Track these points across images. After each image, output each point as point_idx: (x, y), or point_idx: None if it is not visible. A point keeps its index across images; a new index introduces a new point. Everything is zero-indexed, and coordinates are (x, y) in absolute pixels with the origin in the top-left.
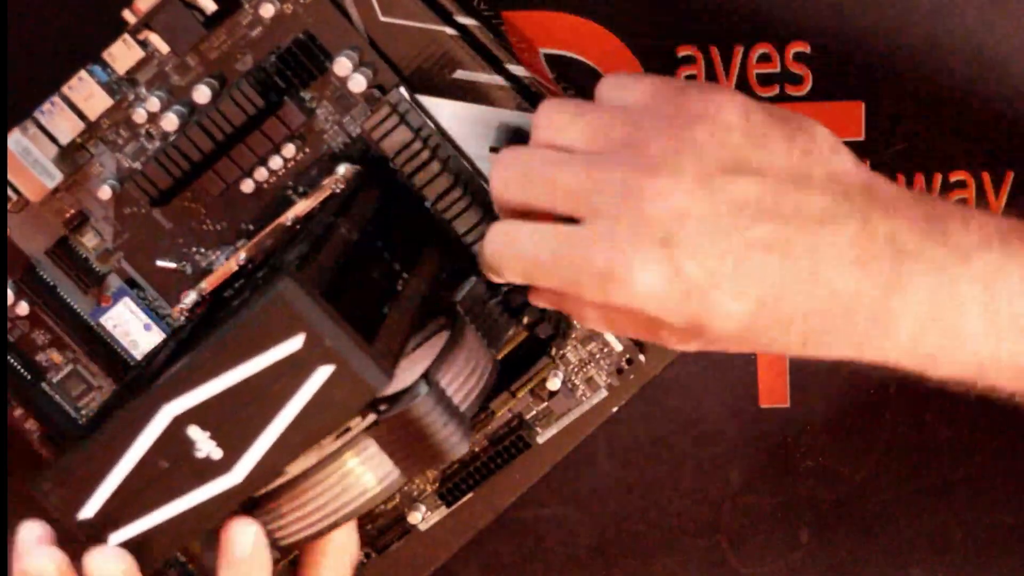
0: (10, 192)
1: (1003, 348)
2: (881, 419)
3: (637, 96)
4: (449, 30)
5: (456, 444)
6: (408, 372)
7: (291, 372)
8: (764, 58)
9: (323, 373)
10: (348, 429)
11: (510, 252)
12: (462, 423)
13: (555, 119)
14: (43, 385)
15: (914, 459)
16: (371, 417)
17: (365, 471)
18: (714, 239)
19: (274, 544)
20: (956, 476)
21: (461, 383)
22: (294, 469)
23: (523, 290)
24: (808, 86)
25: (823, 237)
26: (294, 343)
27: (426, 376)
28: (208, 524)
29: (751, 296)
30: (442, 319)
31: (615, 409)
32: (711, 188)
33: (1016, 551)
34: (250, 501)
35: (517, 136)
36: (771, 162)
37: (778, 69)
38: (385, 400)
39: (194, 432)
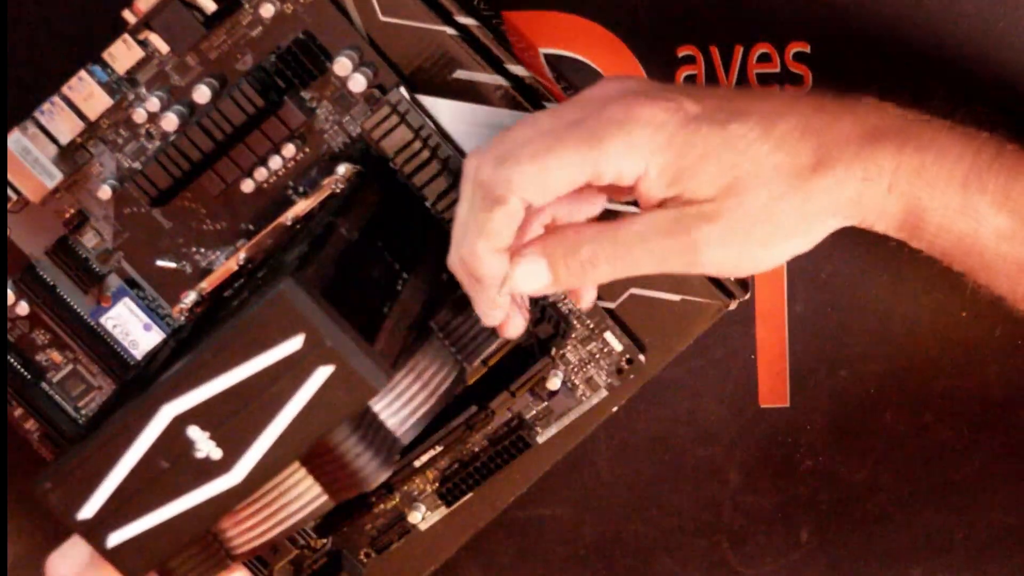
0: (10, 192)
1: None
2: (881, 419)
3: None
4: (449, 30)
5: (370, 475)
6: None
7: (291, 372)
8: (764, 58)
9: (323, 373)
10: None
11: (515, 149)
12: (381, 451)
13: None
14: (43, 385)
15: (914, 459)
16: None
17: (297, 493)
18: None
19: (227, 553)
20: (956, 476)
21: (399, 407)
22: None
23: None
24: (808, 86)
25: None
26: (294, 343)
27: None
28: (208, 524)
29: None
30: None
31: (615, 409)
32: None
33: (1016, 551)
34: None
35: None
36: None
37: (778, 69)
38: None
39: (194, 432)
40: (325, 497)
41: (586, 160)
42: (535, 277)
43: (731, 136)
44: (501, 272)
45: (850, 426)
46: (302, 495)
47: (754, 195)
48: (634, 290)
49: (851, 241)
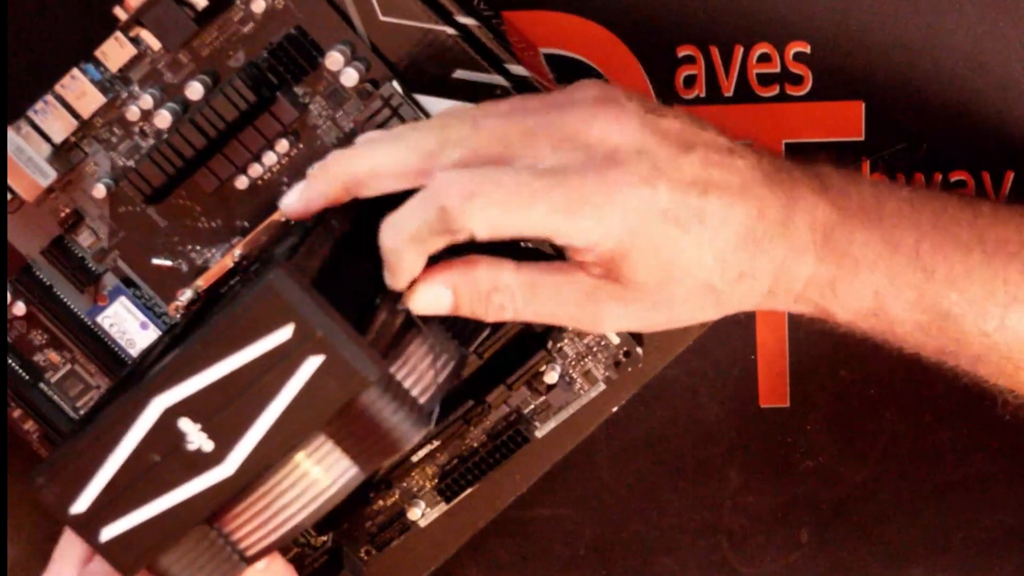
0: None
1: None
2: (881, 419)
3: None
4: (449, 30)
5: (407, 432)
6: None
7: (281, 362)
8: (764, 58)
9: (313, 363)
10: None
11: (488, 192)
12: (414, 410)
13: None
14: (41, 385)
15: (914, 459)
16: None
17: (321, 469)
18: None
19: (240, 556)
20: (956, 476)
21: (420, 373)
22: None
23: None
24: (808, 86)
25: None
26: (283, 333)
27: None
28: (200, 516)
29: None
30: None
31: (615, 408)
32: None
33: (1016, 551)
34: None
35: None
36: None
37: (778, 69)
38: None
39: (185, 424)
40: (356, 469)
41: (551, 226)
42: (437, 304)
43: (685, 242)
44: (415, 269)
45: (850, 426)
46: (324, 475)
47: (674, 295)
48: None
49: None
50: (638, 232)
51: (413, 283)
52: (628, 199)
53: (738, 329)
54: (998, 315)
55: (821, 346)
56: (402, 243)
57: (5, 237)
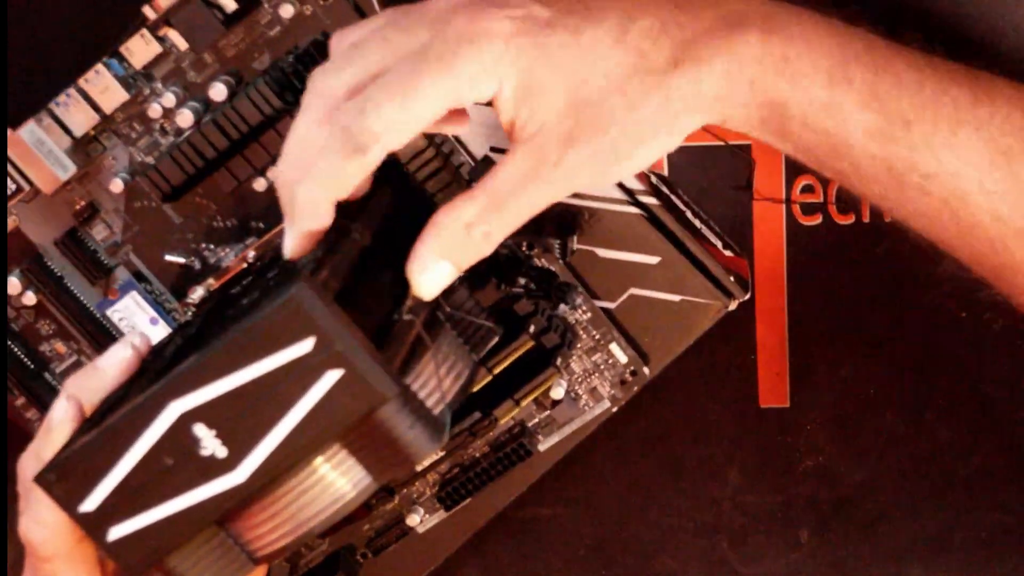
0: (22, 182)
1: None
2: (881, 419)
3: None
4: None
5: (423, 446)
6: None
7: (299, 375)
8: None
9: (331, 377)
10: None
11: (376, 95)
12: (430, 424)
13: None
14: (46, 375)
15: (914, 459)
16: None
17: (337, 476)
18: None
19: (250, 556)
20: (956, 476)
21: (435, 384)
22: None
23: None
24: None
25: None
26: (304, 346)
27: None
28: (209, 521)
29: None
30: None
31: (615, 410)
32: None
33: (1016, 551)
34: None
35: None
36: None
37: None
38: None
39: (200, 430)
40: (370, 479)
41: (445, 90)
42: (443, 280)
43: (583, 45)
44: (326, 220)
45: (850, 426)
46: (339, 482)
47: (610, 106)
48: (634, 290)
49: (852, 241)
50: (528, 59)
51: (408, 279)
52: (499, 26)
53: (738, 329)
54: (946, 130)
55: (821, 346)
56: (317, 185)
57: (5, 227)
